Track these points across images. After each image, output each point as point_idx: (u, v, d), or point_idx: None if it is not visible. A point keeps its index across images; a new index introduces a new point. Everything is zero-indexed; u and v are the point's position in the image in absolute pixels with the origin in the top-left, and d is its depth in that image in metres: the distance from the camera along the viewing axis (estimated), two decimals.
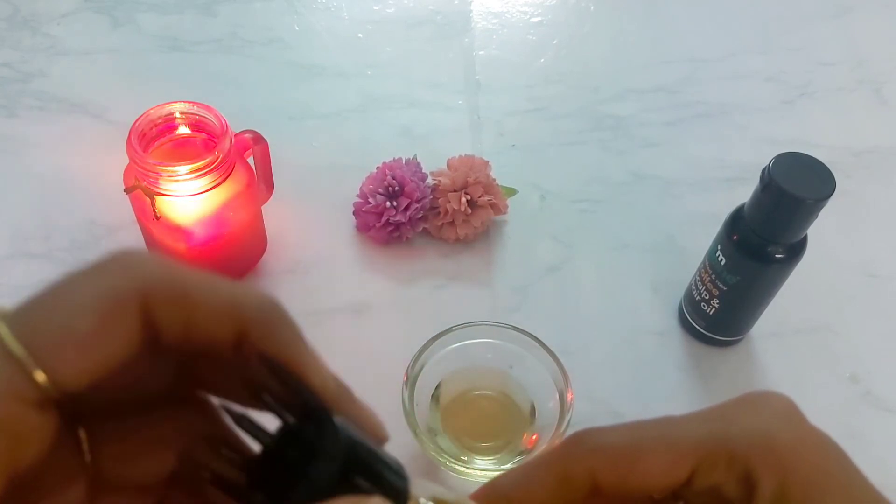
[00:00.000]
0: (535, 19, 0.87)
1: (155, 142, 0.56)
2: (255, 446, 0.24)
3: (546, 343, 0.55)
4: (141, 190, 0.54)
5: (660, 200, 0.72)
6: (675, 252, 0.68)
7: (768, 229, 0.53)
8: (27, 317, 0.22)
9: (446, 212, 0.65)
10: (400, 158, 0.67)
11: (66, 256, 0.64)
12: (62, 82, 0.76)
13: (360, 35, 0.84)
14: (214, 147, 0.54)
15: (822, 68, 0.83)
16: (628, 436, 0.28)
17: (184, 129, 0.57)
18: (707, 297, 0.59)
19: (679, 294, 0.64)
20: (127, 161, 0.55)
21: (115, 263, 0.23)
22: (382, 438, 0.26)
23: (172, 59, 0.80)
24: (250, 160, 0.60)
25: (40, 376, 0.21)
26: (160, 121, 0.56)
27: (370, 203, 0.65)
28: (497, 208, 0.67)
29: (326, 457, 0.22)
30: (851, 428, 0.59)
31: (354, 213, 0.67)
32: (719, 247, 0.56)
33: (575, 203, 0.71)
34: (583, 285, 0.66)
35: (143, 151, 0.54)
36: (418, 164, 0.67)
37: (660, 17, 0.88)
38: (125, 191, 0.55)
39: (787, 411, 0.28)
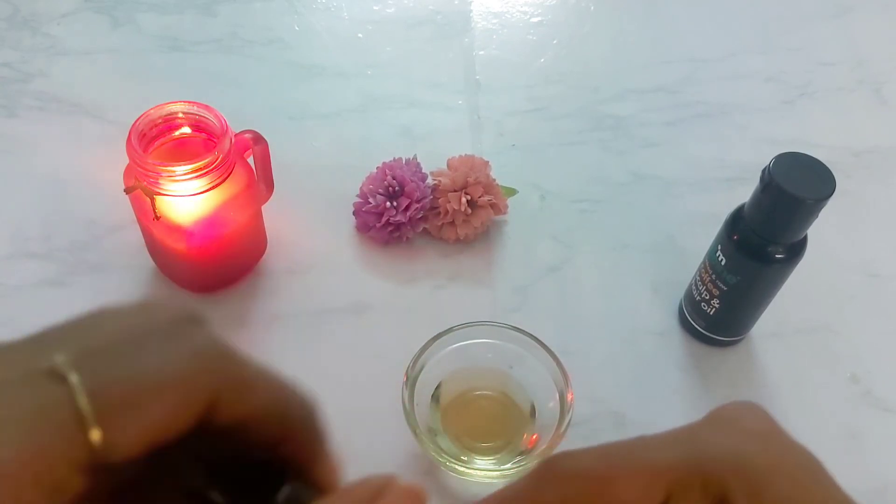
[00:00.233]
0: (535, 19, 0.87)
1: (155, 142, 0.56)
2: None
3: (546, 343, 0.55)
4: (141, 190, 0.54)
5: (660, 200, 0.72)
6: (675, 252, 0.68)
7: (768, 229, 0.53)
8: (98, 373, 0.21)
9: (446, 212, 0.65)
10: (400, 158, 0.67)
11: (66, 256, 0.64)
12: (62, 82, 0.76)
13: (360, 35, 0.84)
14: (214, 147, 0.54)
15: (822, 68, 0.83)
16: (601, 461, 0.27)
17: (184, 130, 0.57)
18: (707, 297, 0.59)
19: (679, 294, 0.64)
20: (127, 161, 0.55)
21: (192, 347, 0.23)
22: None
23: (172, 59, 0.80)
24: (250, 160, 0.60)
25: (97, 438, 0.20)
26: (160, 121, 0.56)
27: (370, 203, 0.65)
28: (497, 208, 0.67)
29: None
30: (851, 428, 0.59)
31: (354, 213, 0.67)
32: (719, 247, 0.56)
33: (575, 203, 0.71)
34: (583, 285, 0.66)
35: (143, 151, 0.54)
36: (418, 164, 0.67)
37: (660, 17, 0.88)
38: (125, 191, 0.55)
39: (763, 429, 0.28)
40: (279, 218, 0.66)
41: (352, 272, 0.65)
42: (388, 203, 0.64)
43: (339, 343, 0.61)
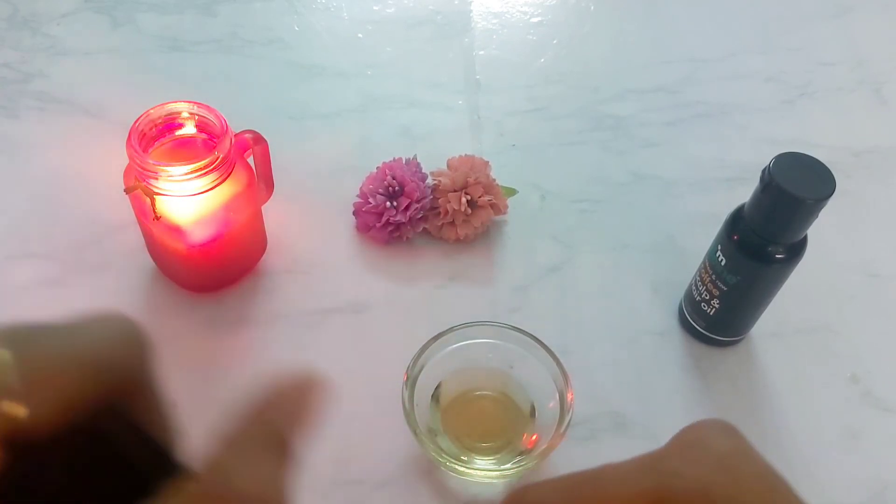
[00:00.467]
0: (535, 19, 0.87)
1: (155, 142, 0.56)
2: None
3: (546, 343, 0.55)
4: (141, 190, 0.54)
5: (660, 200, 0.72)
6: (675, 252, 0.68)
7: (768, 229, 0.53)
8: (22, 346, 0.21)
9: (446, 212, 0.65)
10: (400, 158, 0.67)
11: (66, 256, 0.64)
12: (62, 82, 0.76)
13: (360, 35, 0.84)
14: (214, 147, 0.54)
15: (822, 68, 0.83)
16: (565, 493, 0.28)
17: (184, 129, 0.57)
18: (707, 298, 0.59)
19: (679, 294, 0.64)
20: (127, 161, 0.55)
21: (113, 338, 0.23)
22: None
23: (172, 59, 0.80)
24: (250, 160, 0.60)
25: (21, 412, 0.20)
26: (160, 121, 0.56)
27: (370, 203, 0.65)
28: (497, 208, 0.67)
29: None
30: (851, 428, 0.59)
31: (354, 213, 0.67)
32: (719, 247, 0.56)
33: (575, 203, 0.71)
34: (583, 285, 0.66)
35: (143, 151, 0.54)
36: (418, 164, 0.67)
37: (660, 17, 0.88)
38: (125, 191, 0.55)
39: (729, 453, 0.28)
40: (279, 218, 0.66)
41: (352, 272, 0.65)
42: (388, 203, 0.64)
43: (339, 343, 0.61)
